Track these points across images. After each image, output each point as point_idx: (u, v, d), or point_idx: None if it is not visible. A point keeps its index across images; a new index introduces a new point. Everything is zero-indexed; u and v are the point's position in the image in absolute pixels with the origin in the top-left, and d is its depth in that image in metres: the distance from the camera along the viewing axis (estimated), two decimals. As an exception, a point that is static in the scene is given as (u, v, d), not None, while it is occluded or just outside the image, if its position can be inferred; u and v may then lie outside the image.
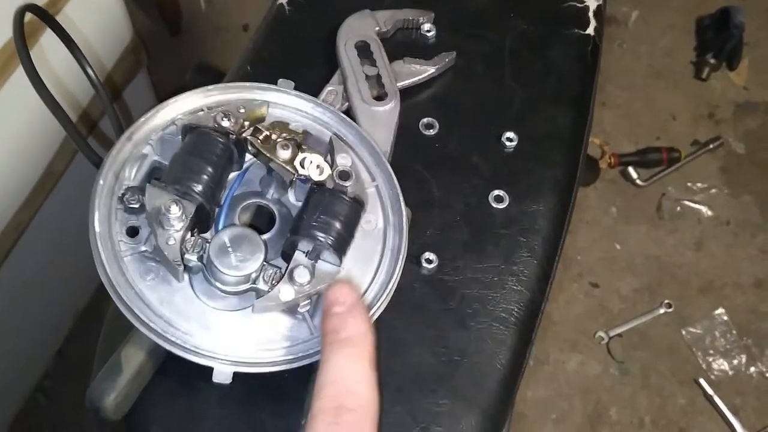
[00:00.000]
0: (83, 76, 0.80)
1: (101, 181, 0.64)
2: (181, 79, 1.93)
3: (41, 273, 1.44)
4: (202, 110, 0.69)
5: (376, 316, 0.65)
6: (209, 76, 0.90)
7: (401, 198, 0.69)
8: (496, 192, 0.79)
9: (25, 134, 1.23)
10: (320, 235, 0.63)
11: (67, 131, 0.75)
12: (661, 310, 1.89)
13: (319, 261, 0.64)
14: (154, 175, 0.67)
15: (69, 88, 1.21)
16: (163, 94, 1.65)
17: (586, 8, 0.92)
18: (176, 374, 0.66)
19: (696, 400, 1.80)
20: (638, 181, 2.05)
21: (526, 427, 1.77)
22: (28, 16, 0.77)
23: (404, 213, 0.69)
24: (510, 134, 0.82)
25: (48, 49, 1.07)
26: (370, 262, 0.67)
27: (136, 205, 0.63)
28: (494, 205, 0.79)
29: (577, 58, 0.89)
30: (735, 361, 1.84)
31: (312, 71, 0.83)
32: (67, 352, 1.66)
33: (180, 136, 0.67)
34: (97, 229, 0.62)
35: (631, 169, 2.05)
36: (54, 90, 0.74)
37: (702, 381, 1.81)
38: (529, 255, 0.77)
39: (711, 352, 1.85)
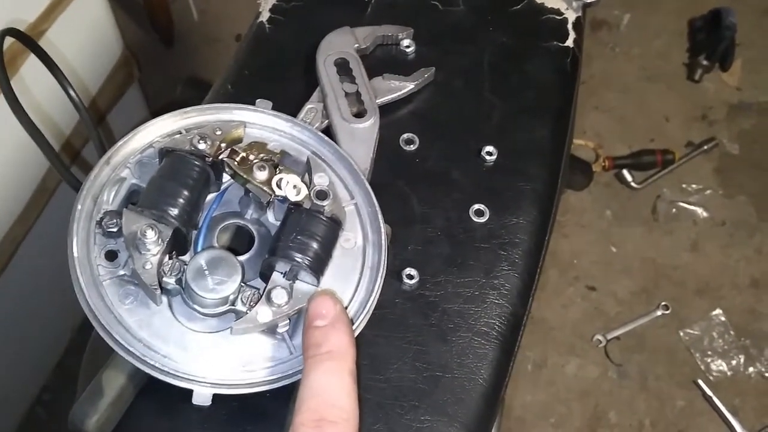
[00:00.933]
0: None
1: (79, 206, 0.64)
2: (174, 91, 1.93)
3: (38, 287, 1.45)
4: (180, 132, 0.69)
5: (356, 334, 0.65)
6: (200, 89, 0.91)
7: (380, 215, 0.69)
8: (477, 206, 0.80)
9: (17, 151, 1.24)
10: (297, 256, 0.63)
11: (47, 156, 0.75)
12: (658, 312, 1.88)
13: (296, 281, 0.64)
14: (132, 198, 0.67)
15: (56, 110, 1.22)
16: (156, 108, 1.66)
17: (565, 20, 0.92)
18: (158, 396, 0.66)
19: (695, 402, 1.80)
20: (633, 184, 2.05)
21: (524, 431, 1.77)
22: (10, 40, 0.77)
23: (383, 230, 0.69)
24: (490, 148, 0.83)
25: (34, 69, 1.07)
26: (350, 280, 0.67)
27: (115, 230, 0.64)
28: (475, 219, 0.79)
29: (556, 70, 0.89)
30: (733, 362, 1.84)
31: (292, 89, 0.84)
32: (66, 365, 1.66)
33: (157, 159, 0.67)
34: (75, 254, 0.62)
35: (625, 172, 2.05)
36: (41, 113, 0.74)
37: (701, 382, 1.80)
38: (509, 268, 0.77)
39: (709, 353, 1.85)
